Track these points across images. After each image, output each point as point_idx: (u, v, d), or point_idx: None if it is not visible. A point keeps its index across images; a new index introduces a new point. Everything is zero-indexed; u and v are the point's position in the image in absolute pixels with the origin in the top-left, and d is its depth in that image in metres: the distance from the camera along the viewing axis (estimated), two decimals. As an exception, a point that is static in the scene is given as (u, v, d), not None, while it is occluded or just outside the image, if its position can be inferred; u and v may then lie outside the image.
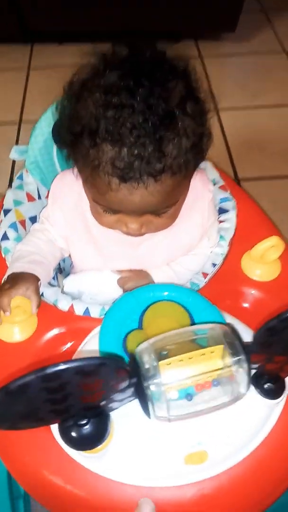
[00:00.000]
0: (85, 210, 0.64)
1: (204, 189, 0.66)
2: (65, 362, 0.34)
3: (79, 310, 0.62)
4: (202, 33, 1.93)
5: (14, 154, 0.74)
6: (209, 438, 0.49)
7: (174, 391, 0.43)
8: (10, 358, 0.59)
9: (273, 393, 0.51)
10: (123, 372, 0.38)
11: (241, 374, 0.42)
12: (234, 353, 0.42)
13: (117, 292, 0.68)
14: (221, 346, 0.41)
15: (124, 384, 0.40)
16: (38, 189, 0.75)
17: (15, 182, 0.74)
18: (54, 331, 0.62)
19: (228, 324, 0.45)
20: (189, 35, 1.93)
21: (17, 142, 1.56)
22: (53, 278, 0.74)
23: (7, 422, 0.39)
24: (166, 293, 0.57)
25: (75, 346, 0.61)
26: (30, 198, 0.73)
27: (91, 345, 0.59)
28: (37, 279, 0.61)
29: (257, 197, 1.34)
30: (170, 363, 0.41)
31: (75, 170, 0.58)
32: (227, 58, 1.92)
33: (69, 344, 0.62)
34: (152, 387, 0.40)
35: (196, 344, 0.44)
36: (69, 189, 0.65)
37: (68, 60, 1.85)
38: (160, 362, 0.41)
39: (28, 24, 1.82)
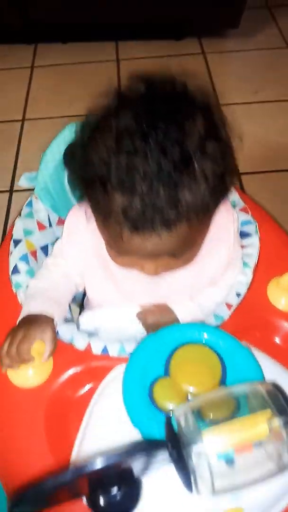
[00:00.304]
0: (101, 246, 0.60)
1: (228, 219, 0.62)
2: (103, 459, 0.30)
3: (97, 349, 0.59)
4: (206, 30, 1.89)
5: (23, 182, 0.70)
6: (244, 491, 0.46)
7: (213, 455, 0.39)
8: (26, 406, 0.56)
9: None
10: (163, 452, 0.34)
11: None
12: (281, 413, 0.38)
13: (137, 328, 0.64)
14: (268, 411, 0.37)
15: (162, 458, 0.36)
16: (49, 216, 0.71)
17: (24, 210, 0.70)
18: (70, 372, 0.58)
19: (270, 383, 0.41)
20: (192, 32, 1.89)
21: (19, 141, 1.55)
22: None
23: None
24: (193, 334, 0.53)
25: (93, 388, 0.57)
26: (40, 226, 0.69)
27: (110, 389, 0.55)
28: (52, 321, 0.57)
29: (259, 189, 1.32)
30: (213, 431, 0.37)
31: (89, 210, 0.54)
32: (230, 54, 1.89)
33: (87, 387, 0.58)
34: (194, 458, 0.37)
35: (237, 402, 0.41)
36: (86, 223, 0.61)
37: (72, 59, 1.84)
38: (203, 431, 0.37)
39: (30, 19, 1.79)
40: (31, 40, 1.90)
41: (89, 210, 0.53)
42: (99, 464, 0.30)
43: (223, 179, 0.48)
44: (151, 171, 0.44)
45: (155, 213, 0.45)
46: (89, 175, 0.48)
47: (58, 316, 0.59)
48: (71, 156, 0.54)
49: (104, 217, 0.48)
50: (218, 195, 0.49)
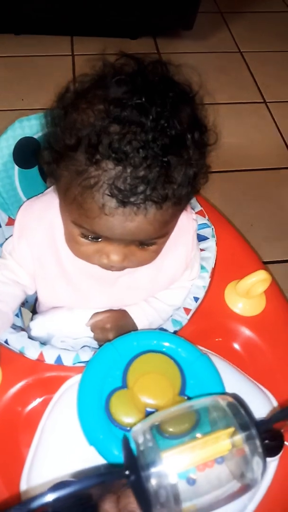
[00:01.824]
0: (57, 241, 0.57)
1: (188, 219, 0.61)
2: (53, 490, 0.27)
3: (50, 358, 0.55)
4: (160, 30, 1.90)
5: None
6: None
7: (174, 475, 0.37)
8: None
9: (272, 451, 0.47)
10: (122, 480, 0.32)
11: (252, 451, 0.37)
12: (242, 428, 0.37)
13: (91, 332, 0.62)
14: (232, 429, 0.36)
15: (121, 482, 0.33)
16: (-3, 216, 0.66)
17: None
18: (21, 384, 0.54)
19: (231, 395, 0.40)
20: (147, 32, 1.88)
21: None
22: (16, 315, 0.66)
23: None
24: (151, 343, 0.51)
25: (45, 402, 0.53)
26: (-12, 227, 0.64)
27: (64, 403, 0.51)
28: None
29: (211, 189, 1.36)
30: (173, 450, 0.35)
31: (54, 190, 0.51)
32: (184, 55, 1.90)
33: (39, 400, 0.55)
34: (153, 480, 0.34)
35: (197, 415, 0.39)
36: (38, 220, 0.57)
37: (25, 51, 1.77)
38: (163, 454, 0.35)
39: None
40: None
41: (43, 198, 0.49)
42: (47, 498, 0.27)
43: (201, 171, 0.48)
44: (147, 143, 0.41)
45: (148, 188, 0.42)
46: (72, 141, 0.44)
47: (0, 326, 0.55)
48: (46, 127, 0.49)
49: (85, 188, 0.44)
50: (196, 186, 0.48)
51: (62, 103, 0.47)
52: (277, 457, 0.48)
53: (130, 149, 0.41)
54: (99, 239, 0.49)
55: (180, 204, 0.47)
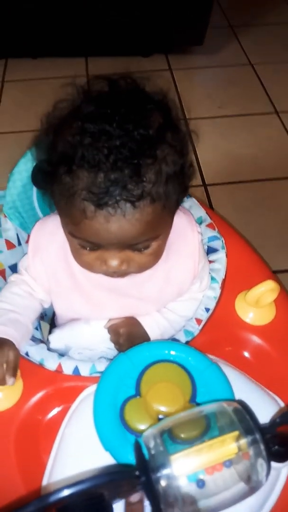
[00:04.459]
0: (68, 256, 0.60)
1: (193, 233, 0.63)
2: (69, 487, 0.29)
3: (68, 369, 0.58)
4: (172, 47, 1.94)
5: (-9, 201, 0.69)
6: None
7: (183, 477, 0.39)
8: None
9: (281, 456, 0.48)
10: (133, 480, 0.34)
11: (257, 454, 0.39)
12: (248, 433, 0.39)
13: (107, 343, 0.64)
14: (236, 433, 0.38)
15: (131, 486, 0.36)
16: (17, 235, 0.70)
17: (-8, 229, 0.69)
18: (41, 394, 0.57)
19: (235, 401, 0.42)
20: (159, 49, 1.94)
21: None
22: (36, 328, 0.69)
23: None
24: (163, 353, 0.53)
25: (64, 411, 0.56)
26: (9, 245, 0.68)
27: (81, 411, 0.54)
28: (13, 343, 0.57)
29: (223, 200, 1.34)
30: (181, 454, 0.37)
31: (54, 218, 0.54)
32: (196, 70, 1.94)
33: (58, 409, 0.57)
34: (163, 482, 0.37)
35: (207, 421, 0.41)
36: (51, 236, 0.61)
37: (42, 74, 1.85)
38: (172, 455, 0.37)
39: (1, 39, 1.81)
40: (2, 55, 1.90)
41: (55, 217, 0.53)
42: (65, 493, 0.29)
43: (182, 170, 0.51)
44: (114, 149, 0.45)
45: (119, 188, 0.45)
46: (55, 159, 0.48)
47: (18, 337, 0.58)
48: (37, 151, 0.55)
49: (68, 198, 0.48)
50: (178, 185, 0.51)
51: (44, 129, 0.53)
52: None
53: (101, 156, 0.45)
54: (96, 248, 0.52)
55: (160, 202, 0.49)
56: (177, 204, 0.54)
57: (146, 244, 0.52)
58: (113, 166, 0.45)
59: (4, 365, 0.54)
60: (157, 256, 0.55)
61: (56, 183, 0.49)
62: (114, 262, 0.52)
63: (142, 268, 0.55)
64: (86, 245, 0.52)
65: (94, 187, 0.45)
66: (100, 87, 0.52)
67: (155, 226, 0.51)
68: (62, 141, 0.48)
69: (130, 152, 0.45)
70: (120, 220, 0.47)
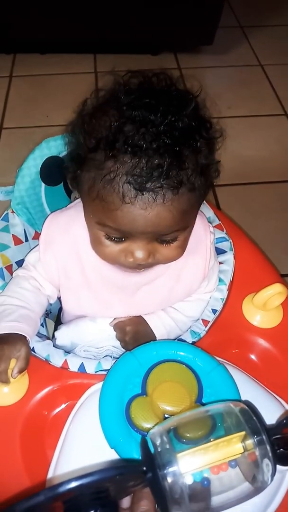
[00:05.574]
0: (80, 252, 0.60)
1: (206, 231, 0.63)
2: (77, 479, 0.30)
3: (73, 366, 0.58)
4: (181, 46, 1.94)
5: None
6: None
7: (189, 475, 0.39)
8: (0, 424, 0.55)
9: (286, 459, 0.49)
10: (140, 475, 0.34)
11: (262, 455, 0.39)
12: (254, 433, 0.39)
13: (113, 341, 0.65)
14: (243, 433, 0.38)
15: (138, 481, 0.36)
16: (25, 230, 0.70)
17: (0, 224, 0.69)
18: (47, 390, 0.58)
19: (242, 402, 0.42)
20: (168, 47, 1.93)
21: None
22: (41, 325, 0.70)
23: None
24: (170, 352, 0.53)
25: (70, 407, 0.56)
26: (17, 241, 0.68)
27: (87, 408, 0.54)
28: (25, 338, 0.57)
29: (232, 201, 1.34)
30: (188, 452, 0.37)
31: (78, 197, 0.55)
32: (205, 70, 1.93)
33: (63, 405, 0.58)
34: (169, 478, 0.37)
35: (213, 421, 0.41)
36: (63, 232, 0.61)
37: (50, 70, 1.85)
38: (178, 453, 0.37)
39: (10, 34, 1.81)
40: (10, 50, 1.90)
41: (67, 212, 0.54)
42: (72, 485, 0.29)
43: (212, 165, 0.52)
44: (157, 136, 0.46)
45: (162, 173, 0.46)
46: (92, 143, 0.49)
47: (30, 332, 0.58)
48: (69, 138, 0.56)
49: (106, 183, 0.48)
50: (208, 179, 0.52)
51: (81, 115, 0.53)
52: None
53: (144, 142, 0.46)
54: (123, 239, 0.52)
55: (195, 192, 0.50)
56: (204, 196, 0.55)
57: (175, 236, 0.53)
58: (155, 153, 0.46)
59: (20, 360, 0.54)
60: (182, 249, 0.56)
61: (92, 169, 0.50)
62: (141, 254, 0.52)
63: (168, 260, 0.56)
64: (114, 235, 0.52)
65: (137, 171, 0.46)
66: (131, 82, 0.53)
67: (188, 216, 0.52)
68: (103, 126, 0.49)
69: (173, 140, 0.47)
70: (158, 207, 0.48)
